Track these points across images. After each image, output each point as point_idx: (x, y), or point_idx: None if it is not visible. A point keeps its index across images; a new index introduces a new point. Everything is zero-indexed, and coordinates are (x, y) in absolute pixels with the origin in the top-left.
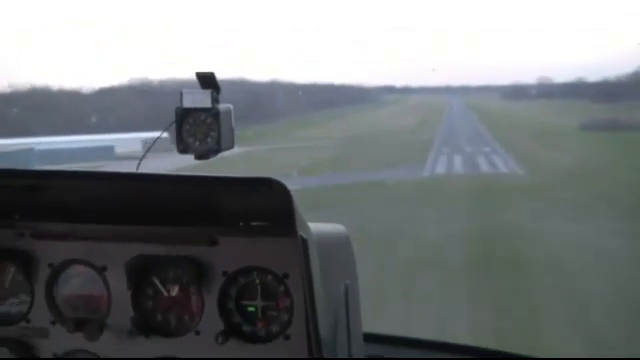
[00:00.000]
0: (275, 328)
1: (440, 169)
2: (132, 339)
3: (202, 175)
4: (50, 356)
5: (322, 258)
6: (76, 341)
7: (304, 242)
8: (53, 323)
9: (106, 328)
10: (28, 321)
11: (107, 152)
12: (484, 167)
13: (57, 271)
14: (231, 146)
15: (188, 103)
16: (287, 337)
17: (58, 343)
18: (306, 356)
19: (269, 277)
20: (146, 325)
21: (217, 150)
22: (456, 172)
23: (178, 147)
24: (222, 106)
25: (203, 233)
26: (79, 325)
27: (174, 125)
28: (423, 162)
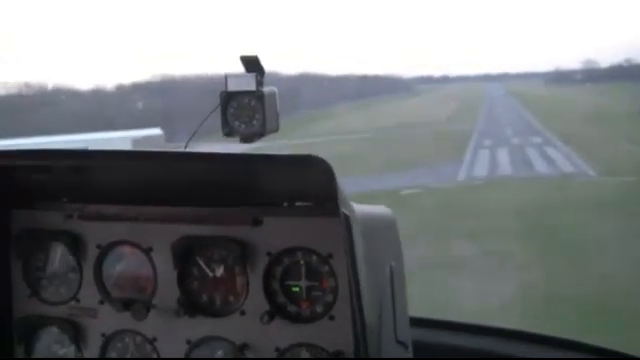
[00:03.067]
0: (319, 308)
1: (480, 169)
2: (178, 319)
3: (245, 153)
4: (98, 336)
5: (367, 239)
6: (123, 321)
7: (347, 220)
8: (101, 303)
9: (152, 308)
10: (77, 301)
11: None
12: (539, 165)
13: (105, 252)
14: (276, 129)
15: (232, 86)
16: (331, 317)
17: (106, 323)
18: (350, 337)
19: (313, 257)
20: (192, 305)
21: (262, 133)
22: (502, 174)
23: (223, 130)
24: (267, 89)
25: (247, 214)
26: (126, 305)
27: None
28: (457, 159)
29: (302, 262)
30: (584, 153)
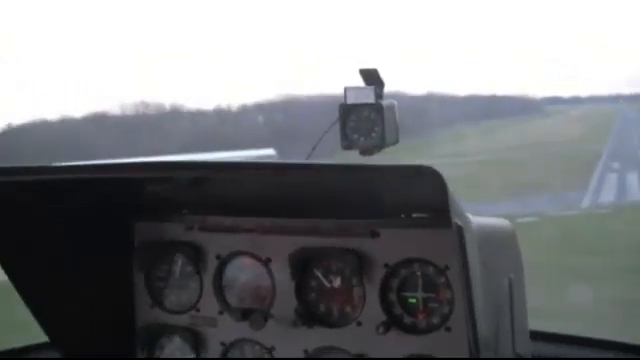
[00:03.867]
0: (436, 320)
1: (607, 196)
2: (295, 329)
3: (356, 164)
4: (218, 344)
5: (484, 251)
6: (242, 330)
7: (460, 230)
8: (221, 312)
9: (271, 318)
10: (197, 310)
11: None
12: None
13: (224, 262)
14: (396, 141)
15: (352, 99)
16: (448, 329)
17: (225, 332)
18: (466, 349)
19: (430, 269)
20: (309, 315)
21: (381, 146)
22: (632, 200)
23: (342, 143)
24: (386, 102)
25: (364, 225)
26: (245, 315)
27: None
28: (581, 184)
29: (419, 274)
30: None
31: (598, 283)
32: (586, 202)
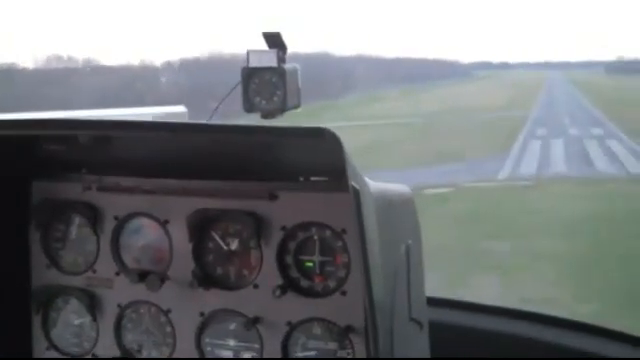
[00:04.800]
0: (332, 283)
1: (528, 165)
2: (192, 291)
3: (256, 125)
4: (114, 306)
5: (383, 216)
6: (139, 292)
7: (356, 193)
8: (117, 274)
9: (167, 280)
10: (94, 271)
11: None
12: (601, 162)
13: (122, 224)
14: (297, 105)
15: (254, 62)
16: (344, 293)
17: (122, 293)
18: (362, 312)
19: (327, 232)
20: (206, 278)
21: (283, 109)
22: (556, 171)
23: (245, 106)
24: (288, 65)
25: (263, 188)
26: (141, 276)
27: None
28: (502, 152)
29: (316, 237)
30: None
31: (507, 276)
32: (504, 172)
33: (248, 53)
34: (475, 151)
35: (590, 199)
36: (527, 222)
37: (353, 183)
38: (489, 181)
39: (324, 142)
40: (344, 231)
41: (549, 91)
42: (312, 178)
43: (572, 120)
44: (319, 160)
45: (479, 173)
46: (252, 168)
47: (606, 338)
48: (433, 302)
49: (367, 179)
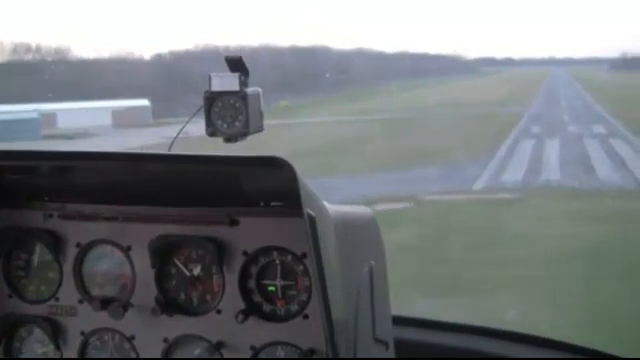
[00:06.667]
0: (294, 307)
1: (514, 171)
2: (155, 317)
3: (209, 154)
4: (78, 334)
5: (344, 239)
6: (102, 319)
7: (312, 220)
8: (80, 302)
9: (131, 307)
10: (57, 299)
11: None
12: (603, 166)
13: (84, 251)
14: (260, 129)
15: (217, 87)
16: (306, 316)
17: (85, 321)
18: (324, 335)
19: (289, 257)
20: (169, 304)
21: (245, 133)
22: (547, 179)
23: (207, 130)
24: (250, 89)
25: (224, 214)
26: (104, 304)
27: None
28: (488, 154)
29: (277, 262)
30: None
31: None
32: (482, 180)
33: (210, 77)
34: (456, 152)
35: (584, 222)
36: (487, 265)
37: (308, 210)
38: (460, 193)
39: (278, 171)
40: (304, 255)
41: (550, 84)
42: (272, 203)
43: (572, 117)
44: (277, 187)
45: (453, 180)
46: (213, 194)
47: (569, 352)
48: (400, 321)
49: (326, 203)
